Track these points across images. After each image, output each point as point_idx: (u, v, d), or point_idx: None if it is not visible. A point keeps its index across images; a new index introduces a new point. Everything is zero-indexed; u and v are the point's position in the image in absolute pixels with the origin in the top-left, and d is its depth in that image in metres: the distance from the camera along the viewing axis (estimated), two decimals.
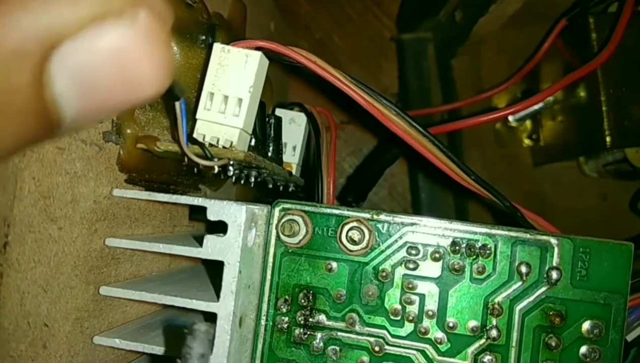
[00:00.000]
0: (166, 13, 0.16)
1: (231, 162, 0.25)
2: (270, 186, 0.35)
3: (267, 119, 0.32)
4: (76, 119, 0.14)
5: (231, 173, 0.27)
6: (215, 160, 0.25)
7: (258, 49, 0.26)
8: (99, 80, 0.14)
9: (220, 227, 0.25)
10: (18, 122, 0.13)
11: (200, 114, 0.25)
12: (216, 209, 0.24)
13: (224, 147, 0.25)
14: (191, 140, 0.25)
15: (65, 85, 0.13)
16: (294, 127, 0.39)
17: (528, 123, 0.52)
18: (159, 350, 0.25)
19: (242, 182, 0.32)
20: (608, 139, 0.42)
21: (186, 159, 0.25)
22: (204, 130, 0.25)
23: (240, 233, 0.24)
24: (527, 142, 0.52)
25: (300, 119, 0.39)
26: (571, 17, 0.44)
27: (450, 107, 0.54)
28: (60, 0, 0.13)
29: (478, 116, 0.43)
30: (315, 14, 0.61)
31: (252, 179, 0.31)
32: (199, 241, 0.25)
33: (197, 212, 0.34)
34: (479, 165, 0.53)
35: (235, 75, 0.25)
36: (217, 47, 0.25)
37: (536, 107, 0.49)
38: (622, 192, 0.46)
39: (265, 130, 0.31)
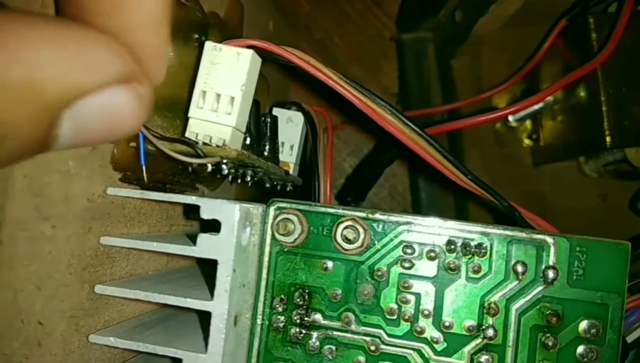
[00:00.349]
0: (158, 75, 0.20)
1: (224, 161, 0.25)
2: (268, 185, 0.35)
3: (262, 118, 0.32)
4: (62, 148, 0.17)
5: (225, 172, 0.27)
6: (207, 158, 0.25)
7: (250, 47, 0.26)
8: (91, 127, 0.17)
9: (216, 226, 0.25)
10: (19, 144, 0.15)
11: (192, 112, 0.25)
12: (209, 208, 0.24)
13: (217, 146, 0.25)
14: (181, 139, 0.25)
15: (69, 127, 0.16)
16: (291, 126, 0.38)
17: (528, 123, 0.52)
18: (153, 348, 0.25)
19: (239, 181, 0.32)
20: (608, 139, 0.41)
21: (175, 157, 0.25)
22: (197, 128, 0.25)
23: (234, 231, 0.24)
24: (527, 142, 0.52)
25: (298, 118, 0.39)
26: (571, 17, 0.44)
27: (450, 107, 0.54)
28: (91, 65, 0.16)
29: (478, 116, 0.43)
30: (315, 14, 0.61)
31: (248, 178, 0.31)
32: (194, 240, 0.25)
33: (193, 211, 0.34)
34: (479, 165, 0.53)
35: (227, 74, 0.25)
36: (209, 45, 0.25)
37: (536, 107, 0.49)
38: (622, 192, 0.45)
39: (261, 128, 0.31)
